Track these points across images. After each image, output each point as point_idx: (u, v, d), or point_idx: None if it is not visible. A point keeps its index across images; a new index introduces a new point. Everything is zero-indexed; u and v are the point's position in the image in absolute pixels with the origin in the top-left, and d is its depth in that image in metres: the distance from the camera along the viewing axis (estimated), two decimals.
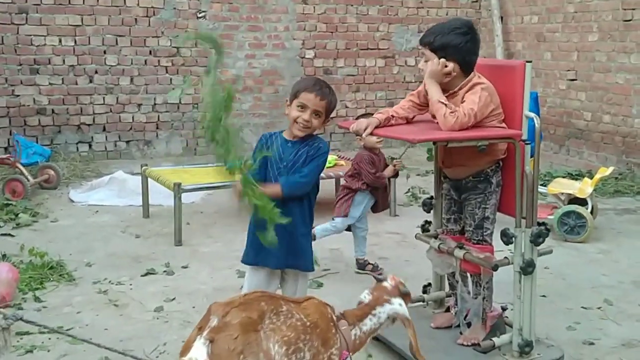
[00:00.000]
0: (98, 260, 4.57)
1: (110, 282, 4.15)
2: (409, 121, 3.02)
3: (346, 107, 8.69)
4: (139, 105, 7.80)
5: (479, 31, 9.18)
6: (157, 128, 7.93)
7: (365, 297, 2.46)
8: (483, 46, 9.14)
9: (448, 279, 3.31)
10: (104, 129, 7.72)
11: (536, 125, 2.81)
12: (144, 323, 3.56)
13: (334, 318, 2.28)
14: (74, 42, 7.44)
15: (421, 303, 3.39)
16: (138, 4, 7.61)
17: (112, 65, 7.62)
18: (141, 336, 3.41)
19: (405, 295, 2.46)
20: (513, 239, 2.85)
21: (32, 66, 7.32)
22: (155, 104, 7.86)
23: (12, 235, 5.08)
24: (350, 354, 2.31)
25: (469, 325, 3.10)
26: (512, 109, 2.89)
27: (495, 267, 2.86)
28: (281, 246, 2.82)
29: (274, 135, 2.99)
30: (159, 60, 7.80)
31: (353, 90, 8.71)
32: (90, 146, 7.69)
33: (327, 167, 5.87)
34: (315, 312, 2.23)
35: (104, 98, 7.66)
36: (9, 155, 6.57)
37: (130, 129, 7.82)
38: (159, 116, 7.90)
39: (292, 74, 8.33)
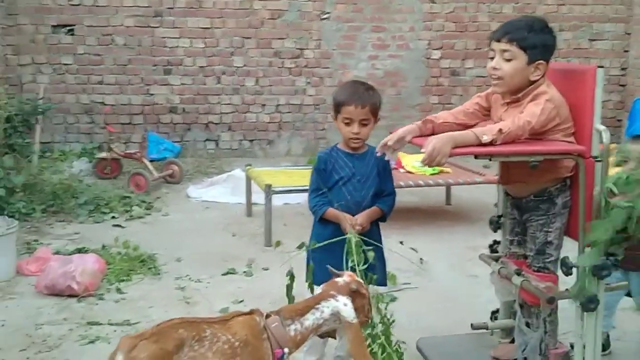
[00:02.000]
0: (189, 256, 4.71)
1: (190, 279, 4.27)
2: (466, 127, 2.75)
3: None
4: (263, 105, 7.98)
5: (631, 30, 8.37)
6: (280, 128, 8.07)
7: (319, 289, 2.28)
8: (634, 46, 8.30)
9: (511, 307, 2.99)
10: (230, 128, 7.99)
11: (604, 140, 2.44)
12: None
13: (264, 324, 2.10)
14: (204, 44, 7.78)
15: (486, 330, 3.11)
16: (264, 7, 7.79)
17: (238, 67, 7.87)
18: None
19: (354, 293, 2.21)
20: (573, 269, 2.50)
21: (165, 67, 7.75)
22: (278, 104, 8.00)
23: (122, 227, 5.40)
24: (290, 350, 2.11)
25: None
26: (582, 121, 2.54)
27: (551, 300, 2.53)
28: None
29: (333, 151, 2.91)
30: (282, 62, 7.92)
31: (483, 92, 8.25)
32: (217, 144, 8.00)
33: (432, 174, 5.62)
34: (243, 328, 2.06)
35: (230, 98, 7.93)
36: (137, 150, 7.01)
37: (254, 128, 8.03)
38: (281, 116, 8.04)
39: (416, 75, 8.10)
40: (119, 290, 4.03)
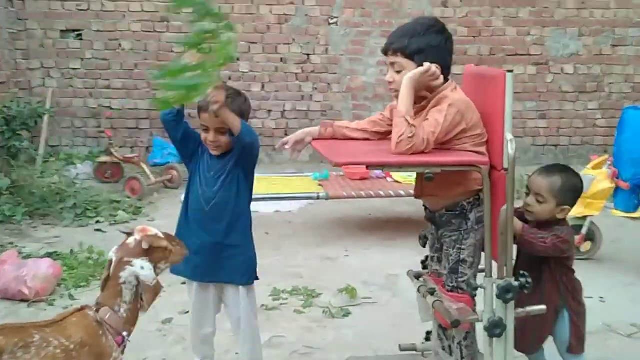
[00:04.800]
0: None
1: None
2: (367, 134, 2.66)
3: None
4: (269, 111, 7.90)
5: None
6: (286, 134, 7.91)
7: (112, 256, 2.21)
8: None
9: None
10: None
11: (510, 151, 2.23)
12: (144, 334, 3.49)
13: (99, 319, 2.06)
14: None
15: (414, 352, 2.92)
16: (271, 12, 7.71)
17: (244, 72, 7.81)
18: (130, 347, 3.36)
19: (149, 251, 2.15)
20: (477, 290, 2.30)
21: None
22: (284, 110, 7.90)
23: (104, 232, 5.38)
24: (130, 330, 2.14)
25: None
26: (494, 129, 2.34)
27: (455, 323, 2.32)
28: (207, 258, 2.70)
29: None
30: (289, 67, 7.82)
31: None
32: None
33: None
34: (78, 329, 2.00)
35: None
36: (135, 155, 7.02)
37: (260, 134, 7.92)
38: (287, 123, 7.93)
39: None
40: (71, 297, 3.99)
